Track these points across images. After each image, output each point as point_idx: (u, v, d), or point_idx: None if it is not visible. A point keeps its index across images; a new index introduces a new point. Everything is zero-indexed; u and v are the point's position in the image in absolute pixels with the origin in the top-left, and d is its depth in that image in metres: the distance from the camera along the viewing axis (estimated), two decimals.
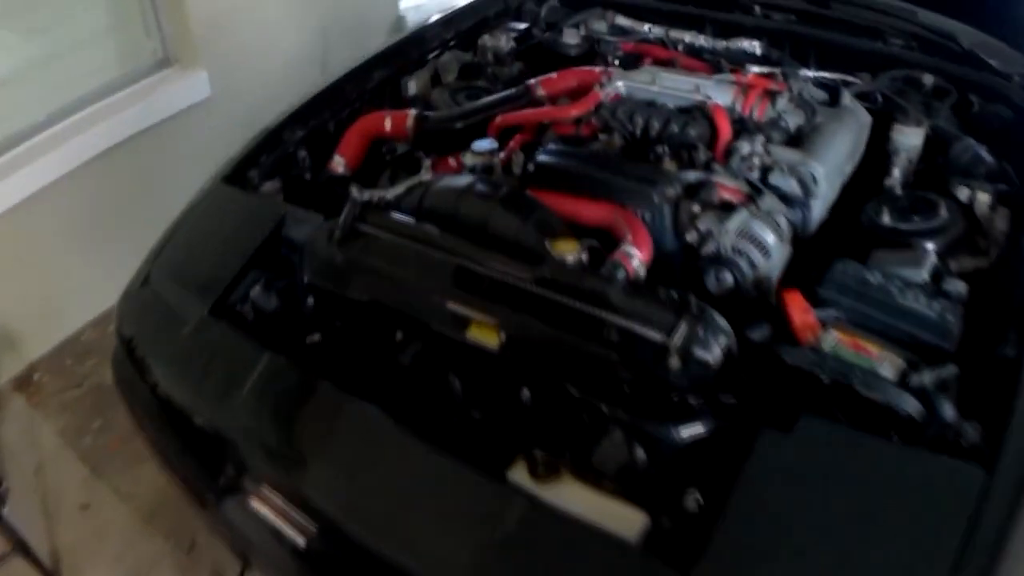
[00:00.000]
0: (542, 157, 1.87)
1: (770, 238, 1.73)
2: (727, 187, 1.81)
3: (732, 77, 2.10)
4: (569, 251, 1.57)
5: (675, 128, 1.94)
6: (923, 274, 1.64)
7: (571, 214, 1.75)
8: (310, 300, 1.76)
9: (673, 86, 2.08)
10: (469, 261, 1.60)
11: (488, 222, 1.67)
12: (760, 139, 1.91)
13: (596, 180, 1.81)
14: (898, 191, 1.95)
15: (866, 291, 1.61)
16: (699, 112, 2.00)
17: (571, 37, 2.46)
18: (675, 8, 2.54)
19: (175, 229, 1.98)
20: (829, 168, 1.88)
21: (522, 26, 2.65)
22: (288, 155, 2.14)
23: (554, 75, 2.22)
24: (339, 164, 2.15)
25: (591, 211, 1.76)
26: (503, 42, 2.51)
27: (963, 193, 1.89)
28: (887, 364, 1.46)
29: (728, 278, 1.70)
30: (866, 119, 2.10)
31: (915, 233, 1.79)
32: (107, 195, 3.10)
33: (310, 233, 1.79)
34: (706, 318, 1.45)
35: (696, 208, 1.76)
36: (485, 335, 1.53)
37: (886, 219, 1.83)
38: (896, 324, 1.53)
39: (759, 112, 2.01)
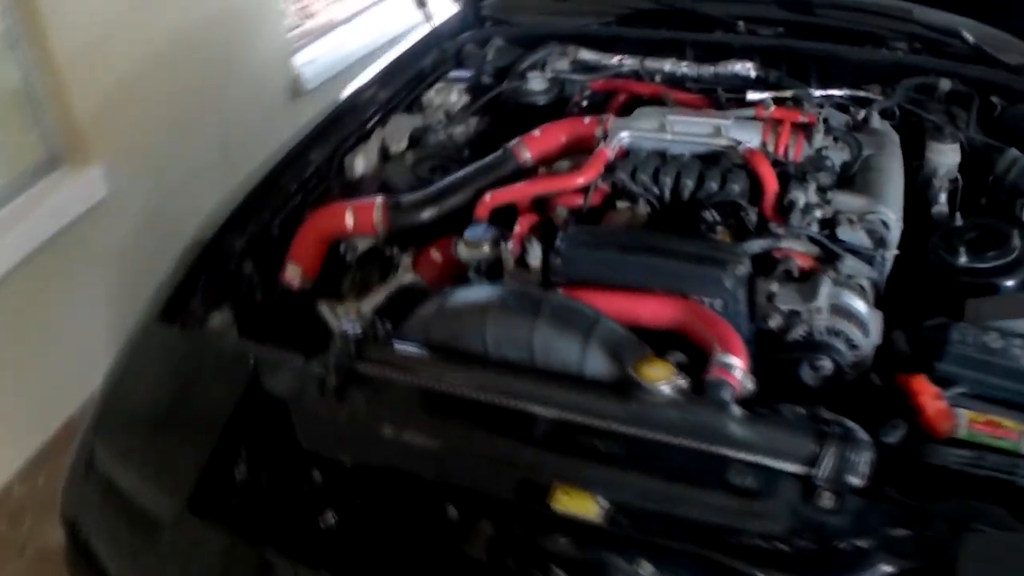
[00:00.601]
0: (568, 244, 1.55)
1: (862, 307, 1.49)
2: (798, 253, 1.56)
3: (752, 111, 1.86)
4: (662, 377, 1.26)
5: (713, 185, 1.68)
6: None
7: (626, 316, 1.45)
8: (315, 473, 1.36)
9: (688, 130, 1.82)
10: (530, 404, 1.30)
11: (534, 347, 1.36)
12: (812, 186, 1.67)
13: (645, 267, 1.51)
14: (956, 220, 1.73)
15: (990, 359, 1.38)
16: (732, 161, 1.74)
17: (537, 83, 2.15)
18: (647, 34, 2.27)
19: (112, 390, 1.58)
20: (897, 211, 1.66)
21: (467, 74, 2.31)
22: (232, 272, 1.75)
23: (537, 132, 1.91)
24: (295, 275, 1.78)
25: (652, 310, 1.47)
26: (454, 97, 2.19)
27: None
28: None
29: (827, 365, 1.45)
30: (896, 140, 1.89)
31: (995, 272, 1.59)
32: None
33: (294, 384, 1.44)
34: (849, 435, 1.21)
35: (774, 286, 1.50)
36: (579, 504, 1.22)
37: (962, 259, 1.61)
38: None
39: (796, 152, 1.77)
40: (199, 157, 2.84)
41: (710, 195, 1.67)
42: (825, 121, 1.83)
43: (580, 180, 1.73)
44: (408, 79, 2.27)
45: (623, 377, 1.29)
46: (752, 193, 1.68)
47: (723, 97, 2.06)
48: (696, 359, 1.38)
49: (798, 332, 1.48)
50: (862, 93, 2.05)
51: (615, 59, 2.26)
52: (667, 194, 1.70)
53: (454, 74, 2.33)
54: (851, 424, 1.24)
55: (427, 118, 2.17)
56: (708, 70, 2.19)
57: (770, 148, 1.77)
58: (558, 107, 2.16)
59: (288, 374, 1.45)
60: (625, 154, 1.78)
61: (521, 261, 1.59)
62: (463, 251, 1.66)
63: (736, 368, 1.32)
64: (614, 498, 1.21)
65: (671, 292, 1.48)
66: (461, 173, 1.85)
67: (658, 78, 2.22)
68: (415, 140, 2.12)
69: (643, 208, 1.70)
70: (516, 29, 2.40)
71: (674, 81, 2.20)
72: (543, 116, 2.07)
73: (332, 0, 4.14)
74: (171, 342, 1.61)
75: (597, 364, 1.32)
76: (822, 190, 1.67)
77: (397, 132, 2.10)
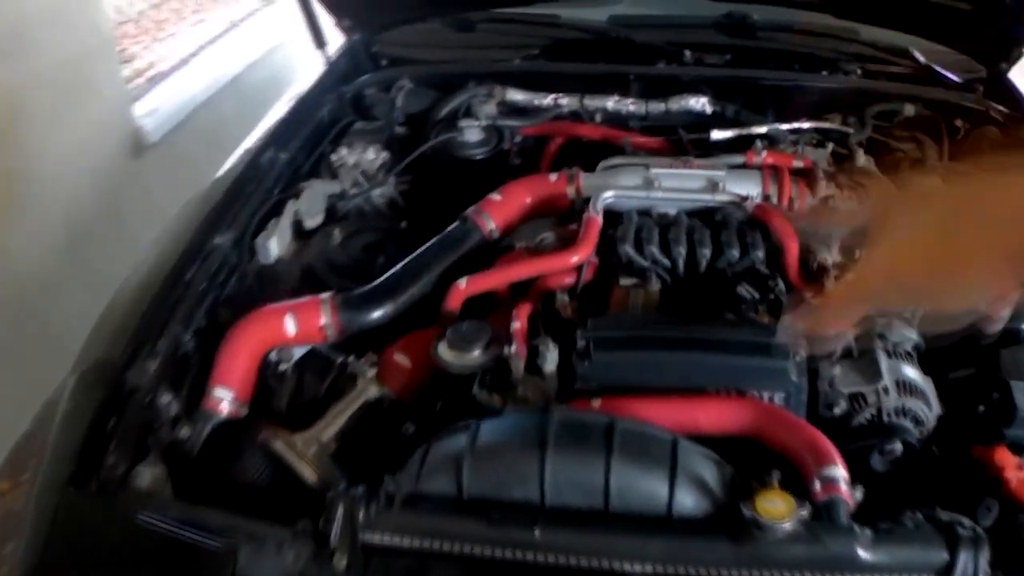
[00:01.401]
0: (596, 344, 1.31)
1: (920, 378, 1.38)
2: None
3: (739, 158, 1.73)
4: (786, 514, 1.05)
5: (734, 253, 1.50)
6: None
7: (684, 426, 1.24)
8: None
9: (679, 185, 1.65)
10: (621, 562, 1.07)
11: (611, 488, 1.11)
12: (836, 245, 1.53)
13: (694, 365, 1.31)
14: None
15: None
16: (739, 219, 1.58)
17: (473, 133, 1.89)
18: (583, 68, 2.06)
19: None
20: None
21: (375, 125, 2.00)
22: (148, 407, 1.38)
23: (497, 196, 1.68)
24: (224, 400, 1.43)
25: (716, 416, 1.27)
26: (370, 154, 1.90)
27: None
28: None
29: (898, 448, 1.32)
30: (886, 180, 1.79)
31: (1015, 317, 1.53)
32: None
33: (286, 568, 1.11)
34: (976, 536, 1.09)
35: (837, 369, 1.35)
36: None
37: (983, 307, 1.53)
38: None
39: (801, 201, 1.65)
40: (40, 240, 2.34)
41: (731, 264, 1.50)
42: (815, 163, 1.74)
43: (575, 258, 1.51)
44: (308, 135, 1.95)
45: (725, 510, 1.09)
46: (769, 256, 1.53)
47: (685, 137, 1.92)
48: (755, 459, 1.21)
49: (863, 416, 1.34)
50: (829, 125, 1.96)
51: (549, 98, 2.04)
52: (681, 266, 1.51)
53: (359, 125, 2.02)
54: (967, 521, 1.12)
55: (343, 181, 1.85)
56: (658, 107, 2.03)
57: (773, 200, 1.63)
58: (498, 160, 1.93)
59: (270, 559, 1.12)
60: (620, 222, 1.58)
61: (532, 366, 1.34)
62: (449, 357, 1.39)
63: (842, 480, 1.15)
64: None
65: (725, 390, 1.30)
66: (418, 254, 1.59)
67: (599, 117, 2.03)
68: (333, 210, 1.83)
69: (655, 285, 1.49)
70: (425, 68, 2.13)
71: (619, 120, 2.04)
72: (481, 171, 1.88)
73: (153, 41, 3.66)
74: (93, 520, 1.24)
75: (689, 500, 1.11)
76: (847, 249, 1.52)
77: (311, 202, 1.79)
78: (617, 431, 1.14)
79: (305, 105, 2.05)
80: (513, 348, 1.34)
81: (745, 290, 1.43)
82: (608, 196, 1.60)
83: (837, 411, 1.34)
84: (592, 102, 2.02)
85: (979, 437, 1.35)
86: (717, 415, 1.27)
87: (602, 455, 1.11)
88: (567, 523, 1.10)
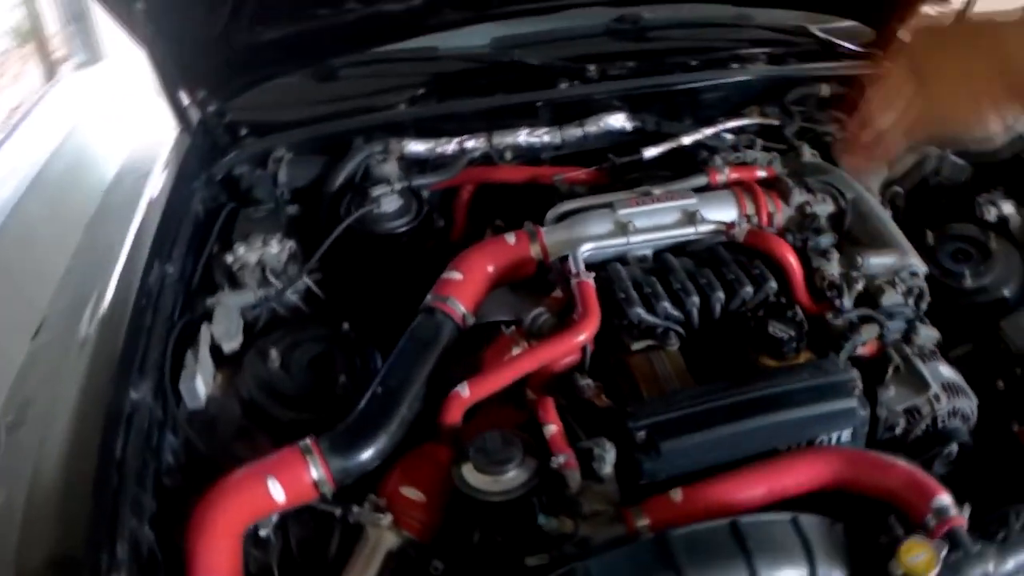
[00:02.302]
0: (658, 434, 1.21)
1: (955, 374, 1.42)
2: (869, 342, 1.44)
3: (705, 178, 1.66)
4: (931, 563, 1.05)
5: (749, 290, 1.44)
6: None
7: (773, 495, 1.20)
8: None
9: (653, 223, 1.56)
10: None
11: None
12: (835, 255, 1.51)
13: (763, 430, 1.25)
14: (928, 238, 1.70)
15: None
16: (732, 249, 1.52)
17: (390, 202, 1.70)
18: (482, 103, 1.93)
19: None
20: (915, 253, 1.56)
21: (263, 209, 1.77)
22: None
23: (456, 274, 1.51)
24: None
25: (801, 476, 1.22)
26: (273, 247, 1.66)
27: (992, 212, 1.76)
28: None
29: (955, 450, 1.35)
30: (840, 171, 1.77)
31: (997, 284, 1.64)
32: None
33: None
34: None
35: (891, 390, 1.36)
36: None
37: (968, 281, 1.63)
38: None
39: (779, 214, 1.60)
40: None
41: (744, 302, 1.44)
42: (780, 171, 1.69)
43: (583, 336, 1.38)
44: (189, 237, 1.70)
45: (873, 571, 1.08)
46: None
47: (616, 162, 1.82)
48: None
49: (919, 428, 1.36)
50: (755, 121, 1.93)
51: (453, 144, 1.87)
52: (696, 317, 1.42)
53: (246, 214, 1.78)
54: None
55: (249, 286, 1.63)
56: (574, 132, 1.93)
57: (754, 219, 1.57)
58: (424, 228, 1.76)
59: None
60: (608, 279, 1.47)
61: (589, 473, 1.21)
62: (482, 484, 1.22)
63: (951, 505, 1.15)
64: None
65: (797, 444, 1.26)
66: (392, 366, 1.41)
67: (508, 155, 1.90)
68: (252, 325, 1.62)
69: (674, 344, 1.40)
70: (302, 132, 1.90)
71: (534, 153, 1.92)
72: (409, 244, 1.75)
73: None
74: None
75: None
76: (848, 257, 1.50)
77: (226, 322, 1.58)
78: (742, 531, 1.08)
79: (172, 201, 1.77)
80: (562, 459, 1.20)
81: (778, 329, 1.36)
82: (586, 251, 1.49)
83: (898, 431, 1.35)
84: (501, 139, 1.90)
85: (1013, 414, 1.42)
86: (805, 475, 1.21)
87: (742, 560, 1.05)
88: None
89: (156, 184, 1.85)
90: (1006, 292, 1.63)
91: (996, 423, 1.43)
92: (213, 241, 1.74)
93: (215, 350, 1.56)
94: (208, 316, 1.58)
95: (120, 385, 1.41)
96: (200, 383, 1.48)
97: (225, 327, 1.57)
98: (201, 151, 1.90)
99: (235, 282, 1.66)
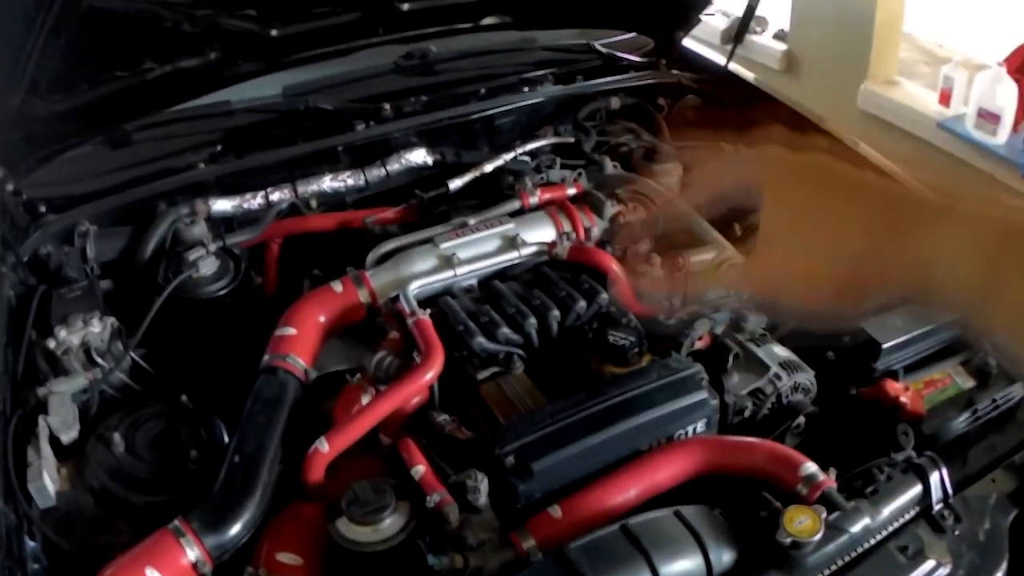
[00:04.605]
0: (528, 455, 1.29)
1: (789, 352, 1.54)
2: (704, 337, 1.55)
3: (518, 203, 1.76)
4: (816, 524, 1.18)
5: (582, 304, 1.53)
6: None
7: (647, 494, 1.30)
8: None
9: (476, 253, 1.64)
10: None
11: None
12: (657, 259, 1.65)
13: (627, 434, 1.34)
14: None
15: (908, 336, 1.63)
16: (556, 267, 1.62)
17: (208, 265, 1.70)
18: (285, 154, 1.92)
19: None
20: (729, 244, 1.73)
21: (77, 288, 1.72)
22: None
23: (291, 330, 1.53)
24: None
25: (671, 470, 1.32)
26: (94, 327, 1.62)
27: None
28: None
29: (803, 422, 1.48)
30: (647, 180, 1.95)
31: None
32: None
33: None
34: (933, 457, 1.38)
35: (735, 378, 1.48)
36: None
37: None
38: None
39: (595, 228, 1.74)
40: None
41: (580, 316, 1.53)
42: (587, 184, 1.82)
43: (431, 374, 1.43)
44: (5, 326, 1.62)
45: (758, 548, 1.20)
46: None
47: (424, 197, 1.88)
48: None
49: (766, 407, 1.47)
50: (550, 140, 2.04)
51: (258, 198, 1.88)
52: (536, 338, 1.50)
53: (60, 295, 1.72)
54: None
55: (76, 370, 1.58)
56: (377, 172, 1.97)
57: (573, 235, 1.69)
58: (244, 288, 1.77)
59: None
60: (441, 314, 1.54)
61: (465, 505, 1.26)
62: (361, 536, 1.25)
63: (818, 471, 1.29)
64: None
65: (658, 441, 1.36)
66: (243, 434, 1.41)
67: (315, 203, 1.93)
68: (85, 411, 1.56)
69: (519, 367, 1.48)
70: (103, 203, 1.84)
71: (339, 198, 1.95)
72: (232, 305, 1.74)
73: None
74: None
75: (726, 556, 1.20)
76: (669, 259, 1.64)
77: (62, 413, 1.51)
78: (634, 532, 1.16)
79: None
80: (437, 497, 1.25)
81: (618, 337, 1.45)
82: (416, 288, 1.54)
83: (747, 413, 1.46)
84: (306, 187, 1.91)
85: (852, 380, 1.55)
86: (673, 468, 1.31)
87: (642, 560, 1.14)
88: None
89: None
90: None
91: (835, 390, 1.55)
92: (30, 328, 1.70)
93: (53, 441, 1.53)
94: (42, 407, 1.52)
95: None
96: (48, 480, 1.41)
97: (61, 417, 1.50)
98: (1, 233, 1.84)
99: (60, 368, 1.60)
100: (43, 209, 1.86)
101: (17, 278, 1.75)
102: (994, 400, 1.56)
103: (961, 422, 1.52)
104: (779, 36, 4.27)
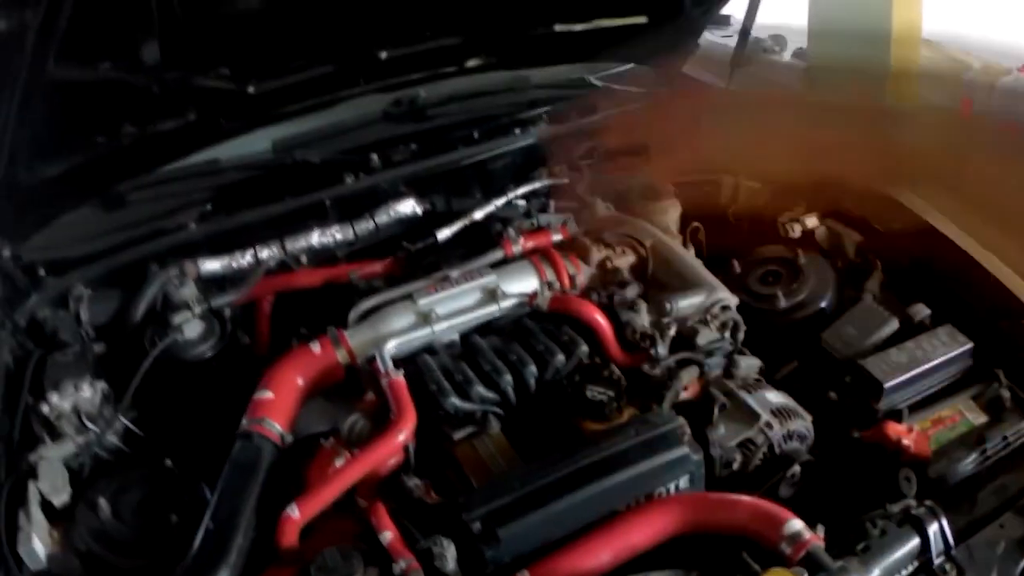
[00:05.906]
0: (496, 522, 1.27)
1: (783, 398, 1.53)
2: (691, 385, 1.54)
3: (500, 252, 1.75)
4: None
5: (560, 358, 1.52)
6: None
7: (624, 556, 1.27)
8: None
9: (456, 307, 1.63)
10: None
11: None
12: (643, 306, 1.62)
13: (603, 494, 1.32)
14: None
15: (910, 374, 1.64)
16: (538, 319, 1.62)
17: (193, 328, 1.72)
18: (273, 211, 1.93)
19: None
20: (723, 287, 1.69)
21: (71, 352, 1.75)
22: None
23: (268, 393, 1.53)
24: None
25: (648, 529, 1.29)
26: (85, 392, 1.64)
27: (796, 229, 1.94)
28: None
29: (797, 471, 1.45)
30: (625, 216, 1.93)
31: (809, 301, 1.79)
32: None
33: None
34: (931, 507, 1.33)
35: (721, 430, 1.45)
36: None
37: (782, 301, 1.78)
38: None
39: (580, 275, 1.72)
40: None
41: (558, 370, 1.51)
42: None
43: (402, 437, 1.42)
44: (3, 393, 1.65)
45: None
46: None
47: (411, 249, 1.87)
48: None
49: (757, 458, 1.45)
50: (543, 183, 2.02)
51: (248, 256, 1.89)
52: (512, 394, 1.49)
53: (54, 359, 1.74)
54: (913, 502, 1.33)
55: (68, 435, 1.62)
56: (365, 225, 1.95)
57: (556, 285, 1.66)
58: (231, 348, 1.78)
59: None
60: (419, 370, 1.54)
61: (433, 572, 1.25)
62: None
63: (805, 529, 1.25)
64: None
65: (636, 500, 1.34)
66: (220, 500, 1.42)
67: (304, 259, 1.92)
68: (78, 473, 1.60)
69: (495, 426, 1.46)
70: (96, 268, 1.87)
71: (327, 252, 1.94)
72: (219, 367, 1.75)
73: None
74: None
75: None
76: (656, 305, 1.60)
77: (52, 477, 1.55)
78: None
79: None
80: (403, 564, 1.24)
81: (596, 392, 1.43)
82: (391, 348, 1.53)
83: (736, 466, 1.43)
84: (295, 243, 1.91)
85: (854, 422, 1.54)
86: (649, 529, 1.28)
87: None
88: None
89: None
90: (823, 304, 1.76)
91: (836, 433, 1.53)
92: (25, 393, 1.72)
93: (46, 505, 1.55)
94: (33, 473, 1.55)
95: None
96: (38, 543, 1.45)
97: (51, 482, 1.54)
98: (1, 298, 1.87)
99: (55, 432, 1.63)
100: (42, 272, 1.89)
101: (15, 343, 1.78)
102: (1005, 437, 1.52)
103: (969, 463, 1.48)
104: (798, 55, 4.21)
